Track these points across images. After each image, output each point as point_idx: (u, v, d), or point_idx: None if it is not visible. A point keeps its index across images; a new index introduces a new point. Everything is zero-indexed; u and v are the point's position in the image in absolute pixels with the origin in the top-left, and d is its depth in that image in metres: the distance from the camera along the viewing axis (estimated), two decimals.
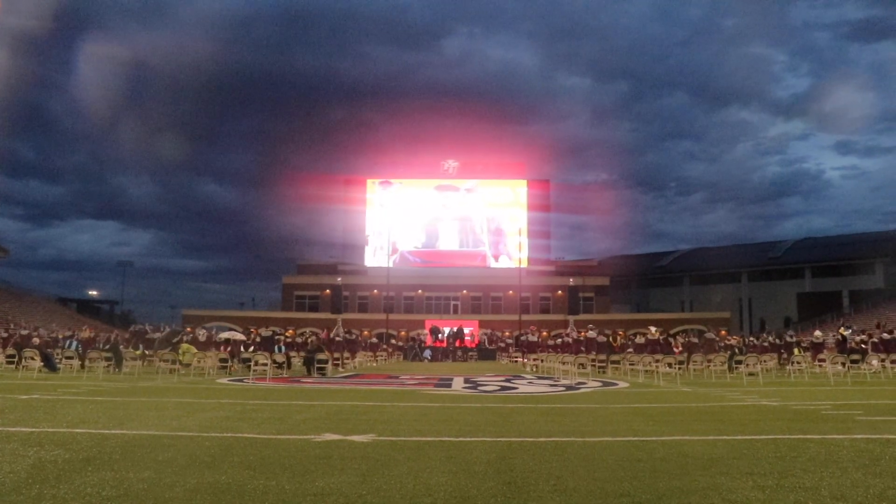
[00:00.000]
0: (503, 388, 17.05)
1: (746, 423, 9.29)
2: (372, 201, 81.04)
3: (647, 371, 22.03)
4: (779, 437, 7.72)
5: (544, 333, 54.61)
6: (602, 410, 11.37)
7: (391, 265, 69.74)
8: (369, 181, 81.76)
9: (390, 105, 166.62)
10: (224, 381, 19.40)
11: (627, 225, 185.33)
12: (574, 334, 45.47)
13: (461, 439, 7.52)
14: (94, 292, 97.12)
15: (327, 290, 65.94)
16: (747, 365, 19.32)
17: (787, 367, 21.76)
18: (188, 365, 22.59)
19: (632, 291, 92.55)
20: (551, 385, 18.55)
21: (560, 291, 72.74)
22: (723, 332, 61.62)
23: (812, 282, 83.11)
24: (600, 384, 18.78)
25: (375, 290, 73.37)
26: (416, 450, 6.77)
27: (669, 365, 18.83)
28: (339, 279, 62.13)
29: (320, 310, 71.06)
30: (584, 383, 18.99)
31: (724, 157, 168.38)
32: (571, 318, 58.22)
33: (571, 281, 61.77)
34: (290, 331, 50.79)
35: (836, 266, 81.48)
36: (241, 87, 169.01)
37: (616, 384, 19.00)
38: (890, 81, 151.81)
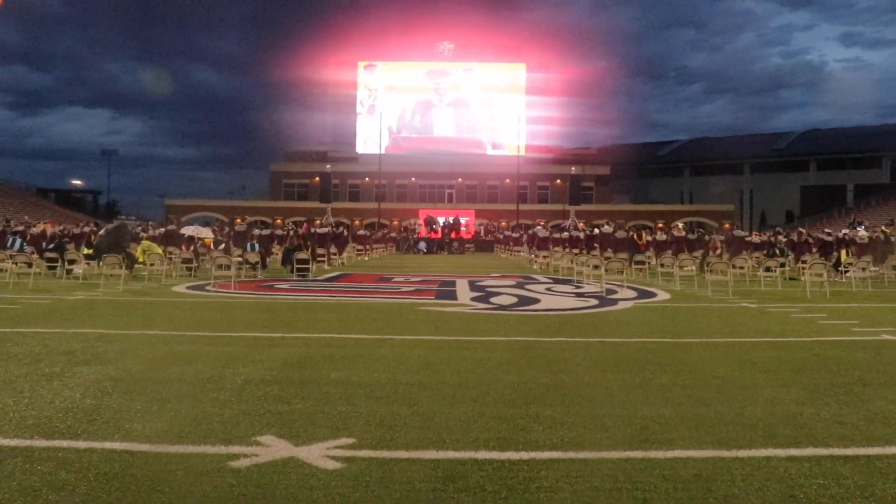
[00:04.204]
0: (522, 302, 13.74)
1: None
2: (363, 85, 75.97)
3: (681, 276, 18.88)
4: None
5: (542, 223, 51.12)
6: (684, 352, 7.97)
7: (383, 152, 65.62)
8: (360, 63, 76.31)
9: None
10: (181, 288, 16.04)
11: (626, 114, 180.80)
12: (579, 227, 42.15)
13: (508, 457, 4.12)
14: (78, 182, 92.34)
15: (316, 178, 62.07)
16: (809, 266, 16.04)
17: (846, 273, 18.54)
18: (152, 265, 19.23)
19: (630, 181, 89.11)
20: (577, 294, 15.31)
21: (559, 180, 69.18)
22: (727, 225, 58.64)
23: (817, 175, 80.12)
24: (636, 294, 15.52)
25: (367, 178, 69.71)
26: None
27: (722, 272, 15.48)
28: (328, 166, 58.13)
29: (309, 198, 67.53)
30: (614, 292, 15.75)
31: (725, 48, 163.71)
32: (572, 208, 54.58)
33: (573, 169, 57.91)
34: (279, 220, 47.44)
35: (842, 159, 78.63)
36: None
37: (653, 293, 15.75)
38: None
